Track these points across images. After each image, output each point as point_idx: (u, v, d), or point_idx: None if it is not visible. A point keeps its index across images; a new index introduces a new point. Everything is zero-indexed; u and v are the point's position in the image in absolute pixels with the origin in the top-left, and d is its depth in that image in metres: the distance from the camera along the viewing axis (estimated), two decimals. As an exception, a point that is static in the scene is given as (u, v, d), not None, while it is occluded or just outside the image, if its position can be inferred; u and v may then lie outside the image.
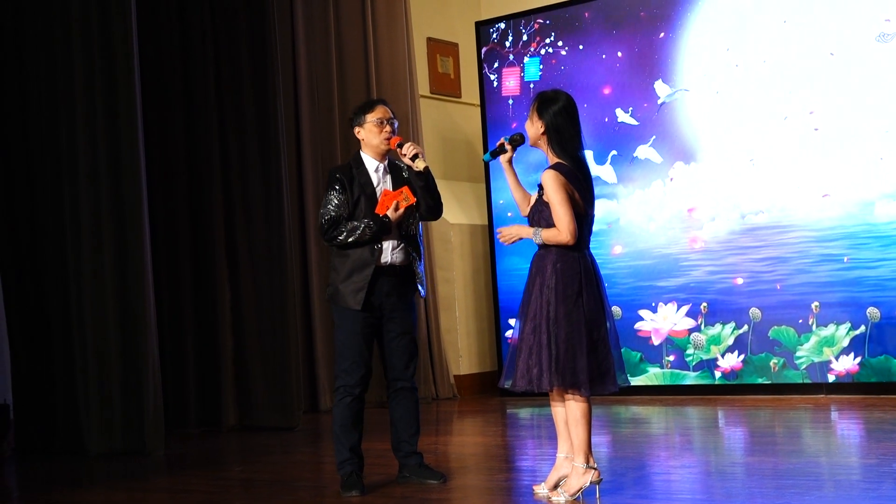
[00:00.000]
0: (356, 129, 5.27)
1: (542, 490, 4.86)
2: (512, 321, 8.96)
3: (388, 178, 5.27)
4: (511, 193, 5.06)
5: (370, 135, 5.22)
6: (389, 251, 5.17)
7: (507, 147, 5.01)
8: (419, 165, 5.13)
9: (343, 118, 8.81)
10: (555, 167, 4.74)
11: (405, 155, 5.14)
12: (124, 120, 6.87)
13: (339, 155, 8.71)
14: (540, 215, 4.78)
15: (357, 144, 5.35)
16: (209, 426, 7.84)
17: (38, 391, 7.10)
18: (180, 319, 7.88)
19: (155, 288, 7.07)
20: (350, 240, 5.11)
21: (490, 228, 9.23)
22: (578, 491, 4.69)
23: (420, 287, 5.29)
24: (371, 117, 5.22)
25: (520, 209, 5.04)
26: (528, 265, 4.87)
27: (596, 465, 4.72)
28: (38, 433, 7.08)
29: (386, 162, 5.28)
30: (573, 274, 4.69)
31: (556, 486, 4.82)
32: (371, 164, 5.25)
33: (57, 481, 6.20)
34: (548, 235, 4.71)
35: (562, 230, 4.66)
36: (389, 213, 5.10)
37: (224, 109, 7.99)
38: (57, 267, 7.05)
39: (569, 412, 4.72)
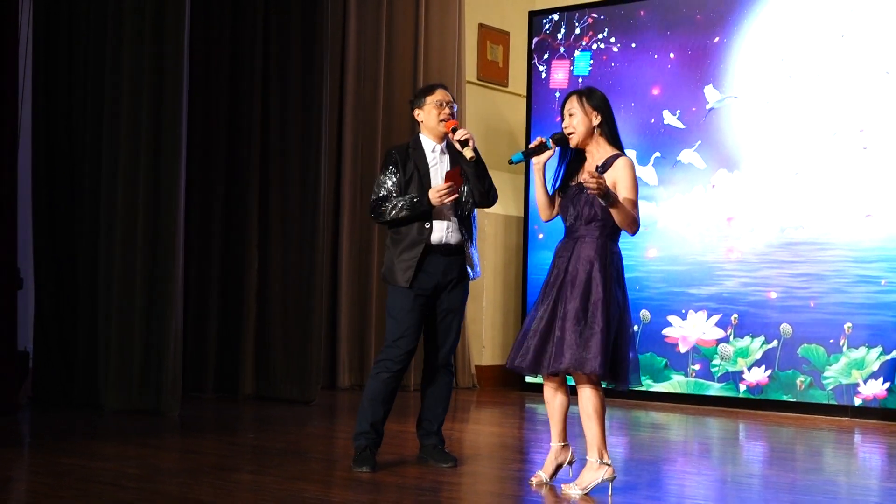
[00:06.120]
0: (416, 112, 5.31)
1: (538, 479, 4.83)
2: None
3: (446, 158, 5.27)
4: (535, 195, 4.89)
5: (428, 116, 5.25)
6: (444, 230, 5.15)
7: (551, 146, 4.86)
8: (466, 153, 5.10)
9: (388, 96, 8.77)
10: (626, 156, 4.68)
11: (457, 140, 5.12)
12: (169, 84, 6.86)
13: (381, 132, 8.66)
14: (591, 206, 4.61)
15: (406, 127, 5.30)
16: (226, 393, 7.85)
17: (59, 342, 7.13)
18: (206, 284, 7.91)
19: (184, 252, 7.07)
20: (390, 217, 5.11)
21: (525, 221, 9.15)
22: (592, 486, 4.63)
23: (468, 269, 5.25)
24: (431, 99, 5.26)
25: (541, 214, 4.88)
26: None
27: (610, 462, 4.65)
28: (56, 384, 7.10)
29: (444, 143, 5.29)
30: (620, 266, 4.66)
31: (554, 474, 4.81)
32: (429, 144, 5.27)
33: (70, 432, 6.21)
34: (623, 214, 4.54)
35: (636, 220, 4.58)
36: (431, 194, 5.06)
37: (269, 82, 7.97)
38: (89, 221, 7.06)
39: (583, 406, 4.64)
